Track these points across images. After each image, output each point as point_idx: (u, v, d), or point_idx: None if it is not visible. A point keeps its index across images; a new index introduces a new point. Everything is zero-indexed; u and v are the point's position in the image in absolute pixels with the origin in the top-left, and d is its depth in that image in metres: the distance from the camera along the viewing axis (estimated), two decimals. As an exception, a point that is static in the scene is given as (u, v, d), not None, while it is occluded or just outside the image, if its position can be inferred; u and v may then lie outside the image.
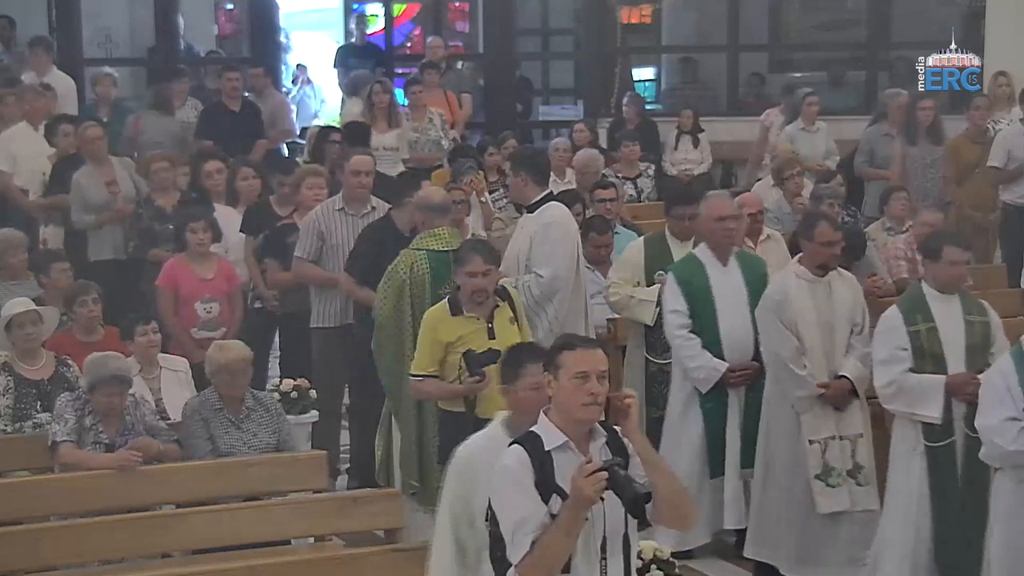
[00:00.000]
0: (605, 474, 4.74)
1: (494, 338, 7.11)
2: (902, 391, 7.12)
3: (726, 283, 8.05)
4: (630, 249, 8.90)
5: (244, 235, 9.88)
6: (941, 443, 7.08)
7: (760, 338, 7.88)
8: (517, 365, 5.36)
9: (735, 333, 8.01)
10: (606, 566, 4.95)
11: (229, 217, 9.99)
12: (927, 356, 7.10)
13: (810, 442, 7.64)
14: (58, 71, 13.86)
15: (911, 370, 7.10)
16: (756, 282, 8.07)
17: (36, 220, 11.34)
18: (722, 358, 7.98)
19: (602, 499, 4.81)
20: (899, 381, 7.10)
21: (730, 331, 8.01)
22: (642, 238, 8.98)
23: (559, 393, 4.99)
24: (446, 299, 7.30)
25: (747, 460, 8.01)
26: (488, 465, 5.26)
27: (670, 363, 8.44)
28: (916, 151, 12.03)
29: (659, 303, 8.43)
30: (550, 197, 8.43)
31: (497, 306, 7.27)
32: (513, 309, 7.36)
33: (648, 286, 8.59)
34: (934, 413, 7.05)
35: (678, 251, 8.58)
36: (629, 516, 4.95)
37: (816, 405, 7.64)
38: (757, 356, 8.00)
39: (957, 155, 12.06)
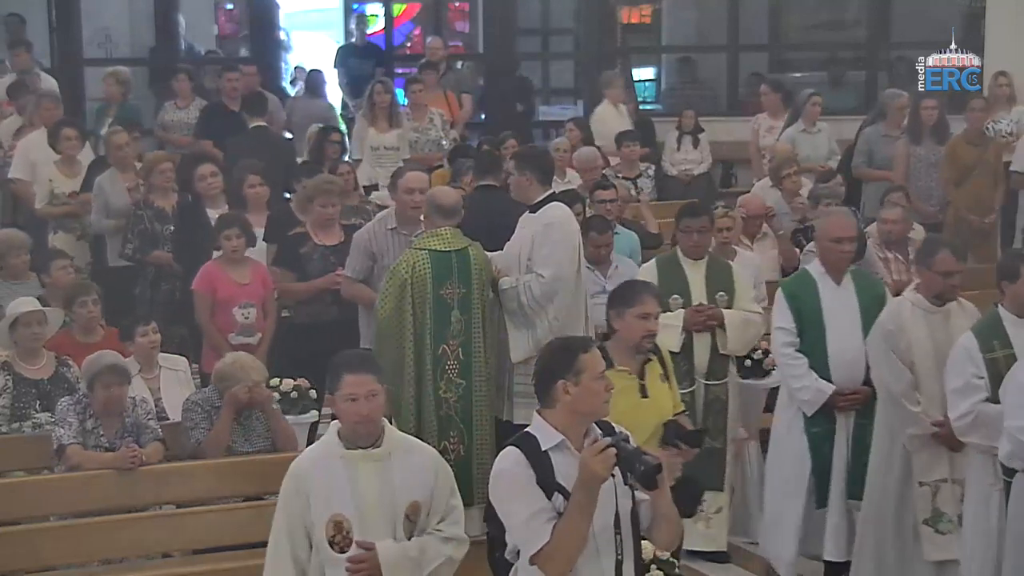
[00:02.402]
0: (614, 450, 4.77)
1: (647, 396, 6.40)
2: (979, 422, 6.63)
3: (838, 302, 7.58)
4: (642, 273, 8.36)
5: (267, 244, 9.66)
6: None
7: (871, 369, 7.40)
8: (337, 377, 5.35)
9: (845, 355, 7.51)
10: (621, 541, 4.99)
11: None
12: None
13: (920, 484, 7.17)
14: (41, 72, 13.85)
15: (987, 399, 6.62)
16: (871, 303, 7.58)
17: (45, 226, 11.26)
18: (830, 380, 7.51)
19: (612, 475, 4.85)
20: (976, 412, 6.63)
21: (840, 353, 7.52)
22: (653, 261, 8.54)
23: (582, 396, 5.03)
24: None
25: (854, 491, 7.55)
26: (319, 478, 5.32)
27: (691, 392, 8.03)
28: (921, 151, 11.97)
29: (685, 329, 8.07)
30: (553, 197, 8.42)
31: (649, 360, 6.56)
32: (663, 365, 6.67)
33: (663, 311, 8.04)
34: None
35: (691, 271, 8.24)
36: (637, 491, 5.00)
37: (929, 445, 7.10)
38: (868, 381, 7.51)
39: (954, 156, 12.00)
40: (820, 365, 7.52)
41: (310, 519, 5.34)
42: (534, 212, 8.31)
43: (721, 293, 8.22)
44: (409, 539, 5.41)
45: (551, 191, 8.47)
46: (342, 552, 5.32)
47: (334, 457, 5.37)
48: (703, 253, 8.30)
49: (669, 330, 7.95)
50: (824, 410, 7.52)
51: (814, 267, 7.76)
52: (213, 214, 10.02)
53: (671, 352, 7.84)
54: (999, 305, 6.84)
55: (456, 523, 5.55)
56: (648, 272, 8.31)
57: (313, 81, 15.32)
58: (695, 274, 8.25)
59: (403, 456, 5.45)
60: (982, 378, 6.63)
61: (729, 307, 8.18)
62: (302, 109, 14.76)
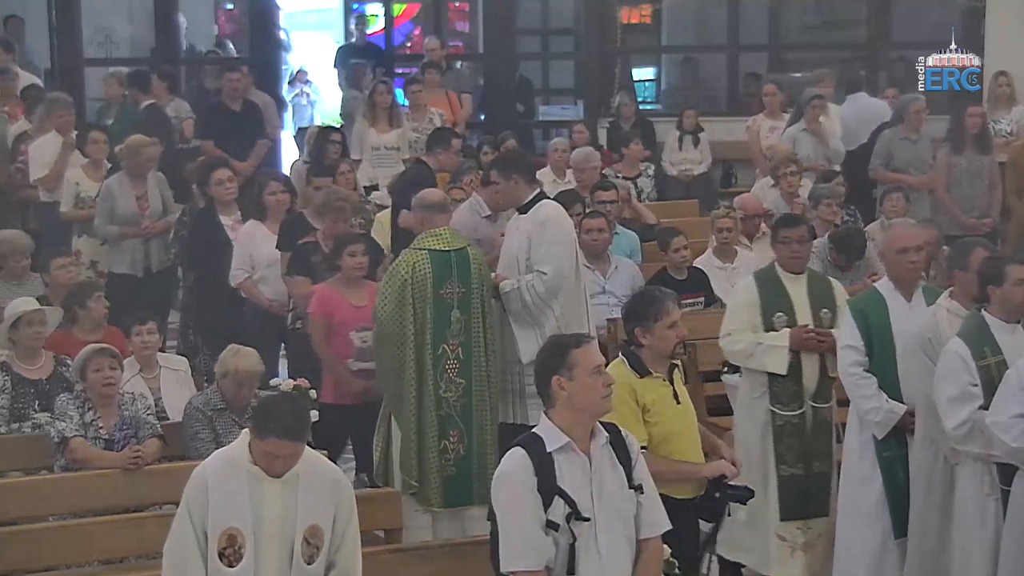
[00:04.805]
0: None
1: (680, 403, 6.31)
2: (977, 431, 6.48)
3: (909, 320, 7.16)
4: (741, 291, 7.94)
5: (280, 252, 9.47)
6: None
7: (907, 382, 7.11)
8: (265, 431, 5.31)
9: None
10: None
11: (257, 231, 9.70)
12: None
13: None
14: (22, 71, 13.84)
15: (981, 407, 6.49)
16: None
17: (69, 230, 11.16)
18: (900, 401, 7.14)
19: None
20: (973, 420, 6.49)
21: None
22: (752, 277, 8.04)
23: (577, 391, 5.05)
24: (625, 362, 6.23)
25: None
26: (222, 487, 5.28)
27: (801, 414, 7.62)
28: (963, 160, 11.67)
29: (791, 350, 7.59)
30: (541, 196, 8.43)
31: (675, 366, 6.40)
32: (683, 370, 6.61)
33: (767, 330, 7.68)
34: None
35: (793, 287, 7.75)
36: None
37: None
38: None
39: (1018, 165, 11.71)
40: (890, 386, 7.16)
41: (206, 527, 5.30)
42: (524, 212, 8.31)
43: (825, 310, 7.75)
44: (309, 564, 5.36)
45: (538, 190, 8.49)
46: (230, 566, 5.28)
47: (240, 469, 5.33)
48: (803, 266, 7.85)
49: (776, 352, 7.61)
50: (895, 433, 7.18)
51: (883, 285, 7.36)
52: (226, 220, 10.01)
53: (778, 375, 7.62)
54: (983, 310, 6.71)
55: (352, 553, 5.50)
56: (747, 288, 7.86)
57: (353, 74, 15.34)
58: (797, 290, 7.78)
59: (309, 478, 5.40)
60: (976, 385, 6.53)
61: (832, 324, 7.71)
62: (348, 104, 14.84)
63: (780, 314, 7.68)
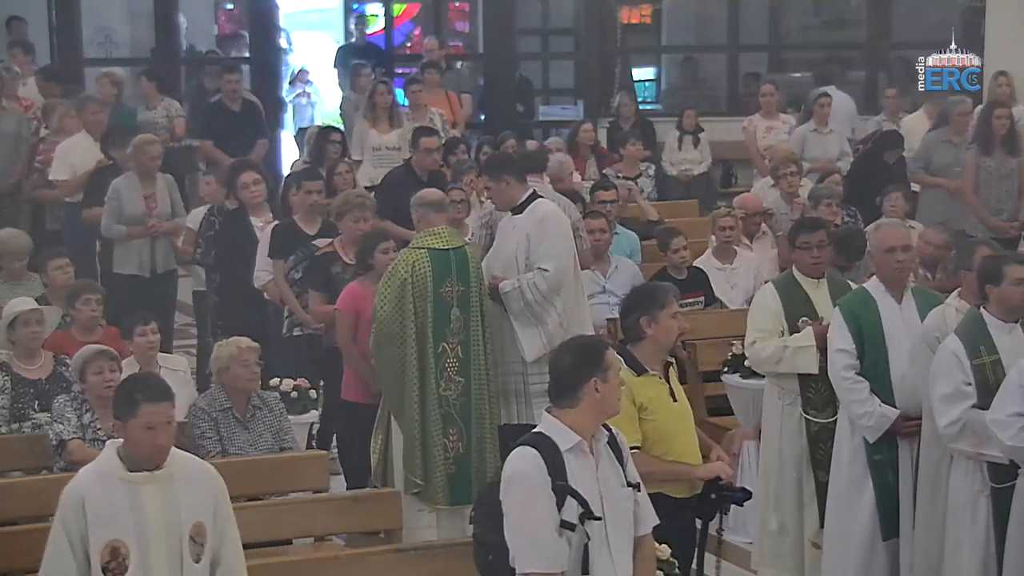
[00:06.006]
0: None
1: (676, 400, 6.27)
2: (969, 429, 6.47)
3: (900, 321, 7.10)
4: (762, 299, 7.81)
5: (272, 260, 9.40)
6: (1009, 483, 6.43)
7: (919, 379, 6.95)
8: (133, 404, 5.18)
9: (909, 378, 7.01)
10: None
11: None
12: (992, 391, 6.42)
13: None
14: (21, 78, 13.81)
15: (975, 406, 6.47)
16: None
17: (94, 232, 11.11)
18: (893, 405, 7.04)
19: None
20: (965, 419, 6.47)
21: (903, 375, 7.02)
22: (770, 283, 8.00)
23: (609, 392, 5.09)
24: (621, 361, 5.84)
25: None
26: (99, 500, 5.10)
27: (835, 420, 7.40)
28: (991, 162, 11.53)
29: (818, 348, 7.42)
30: (534, 195, 8.43)
31: (670, 364, 6.35)
32: (677, 366, 6.54)
33: (792, 334, 7.57)
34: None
35: (814, 292, 7.65)
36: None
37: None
38: None
39: None
40: (882, 389, 7.07)
41: (87, 545, 5.12)
42: (518, 212, 8.31)
43: None
44: (197, 562, 5.25)
45: (532, 189, 8.48)
46: None
47: (114, 479, 5.17)
48: (823, 271, 7.78)
49: (804, 352, 7.48)
50: (886, 436, 7.09)
51: (872, 285, 7.28)
52: (257, 222, 9.95)
53: (811, 375, 7.48)
54: (982, 308, 6.70)
55: (235, 547, 5.41)
56: (768, 296, 7.76)
57: (353, 74, 15.46)
58: (819, 295, 7.68)
59: (183, 473, 5.30)
60: (970, 384, 6.52)
61: None
62: (346, 104, 14.93)
63: (805, 318, 7.58)
